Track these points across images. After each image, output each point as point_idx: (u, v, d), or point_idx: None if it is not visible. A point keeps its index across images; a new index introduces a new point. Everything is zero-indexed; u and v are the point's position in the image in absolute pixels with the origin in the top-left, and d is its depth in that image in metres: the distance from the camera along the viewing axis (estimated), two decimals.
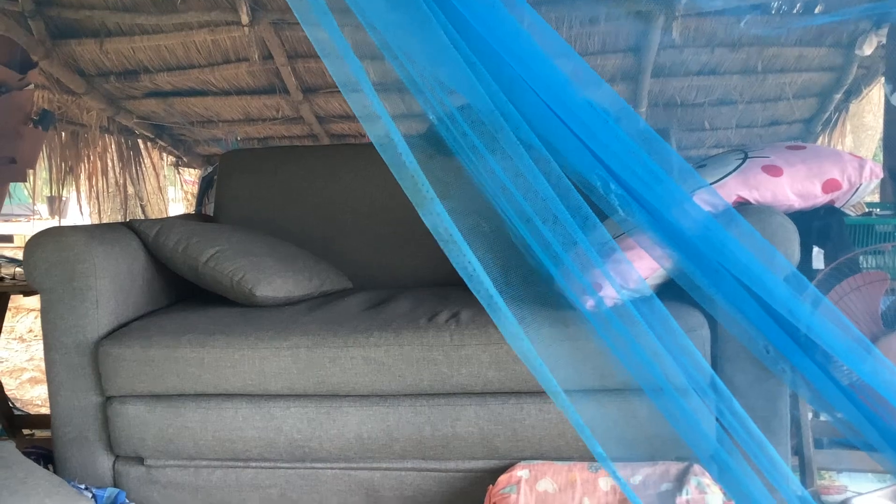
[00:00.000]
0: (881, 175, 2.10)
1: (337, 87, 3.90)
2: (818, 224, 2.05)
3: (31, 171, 3.20)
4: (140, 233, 2.38)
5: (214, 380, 2.06)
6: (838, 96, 4.19)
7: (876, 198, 3.07)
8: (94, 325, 2.13)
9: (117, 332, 2.15)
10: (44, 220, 8.68)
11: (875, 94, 4.30)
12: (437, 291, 2.42)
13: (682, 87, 4.09)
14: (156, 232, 2.39)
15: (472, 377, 1.97)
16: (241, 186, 2.95)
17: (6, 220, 9.50)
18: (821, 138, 4.65)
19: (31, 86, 2.95)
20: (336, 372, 2.01)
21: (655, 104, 4.20)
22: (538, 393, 1.98)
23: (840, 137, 4.65)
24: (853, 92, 4.21)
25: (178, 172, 5.53)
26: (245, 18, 3.25)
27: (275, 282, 2.32)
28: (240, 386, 2.06)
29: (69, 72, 3.70)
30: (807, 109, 4.38)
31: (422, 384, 1.99)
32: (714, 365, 1.95)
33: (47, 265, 2.13)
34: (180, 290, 2.53)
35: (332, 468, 2.09)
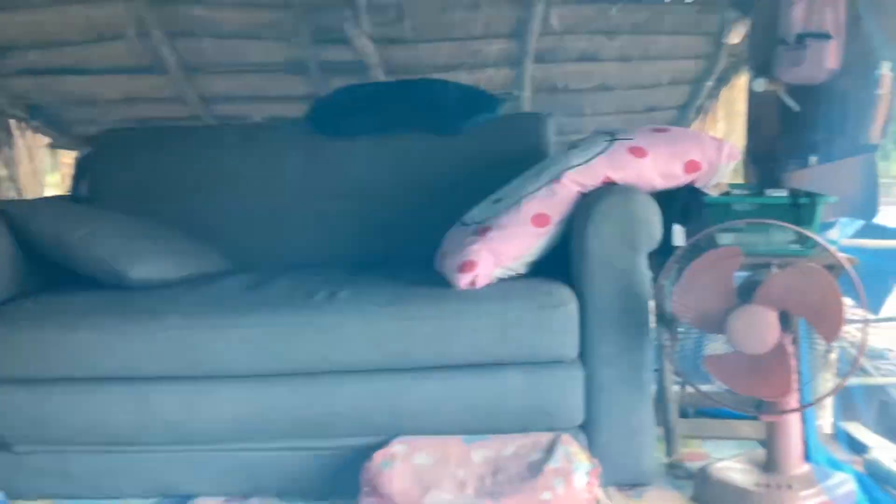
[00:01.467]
0: (739, 156, 2.23)
1: (222, 67, 3.83)
2: (680, 203, 2.15)
3: None
4: (6, 214, 2.30)
5: (85, 364, 2.02)
6: (710, 84, 4.39)
7: (740, 179, 3.24)
8: None
9: None
10: None
11: (744, 82, 4.52)
12: (318, 271, 2.42)
13: (564, 73, 4.20)
14: (23, 213, 2.31)
15: (350, 355, 1.99)
16: (117, 167, 2.85)
17: None
18: (695, 124, 4.85)
19: None
20: (211, 353, 2.00)
21: (539, 89, 4.29)
22: (415, 369, 2.02)
23: (713, 123, 4.86)
24: (724, 80, 4.41)
25: (56, 154, 5.31)
26: None
27: (150, 263, 2.28)
28: (112, 369, 2.02)
29: None
30: (681, 96, 4.57)
31: (299, 363, 2.00)
32: (582, 338, 2.03)
33: None
34: (51, 274, 2.44)
35: (209, 450, 2.08)
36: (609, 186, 2.12)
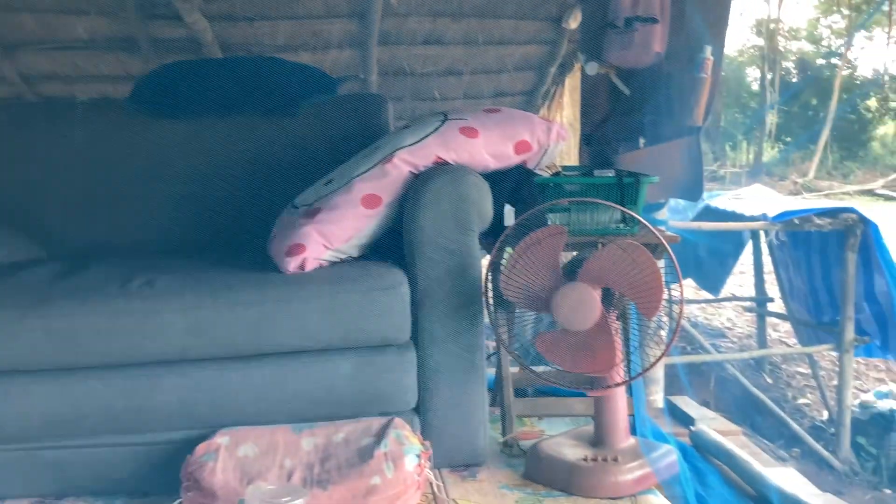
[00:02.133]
0: (567, 137, 2.25)
1: (43, 43, 3.56)
2: (510, 183, 2.16)
3: None
4: None
5: None
6: (553, 69, 4.46)
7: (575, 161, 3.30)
8: None
9: None
10: None
11: None
12: (139, 258, 2.28)
13: (410, 56, 4.16)
14: None
15: (169, 345, 1.88)
16: None
17: None
18: (542, 109, 4.93)
19: None
20: (14, 346, 1.85)
21: (385, 73, 4.24)
22: (239, 358, 1.93)
23: (559, 108, 4.96)
24: (567, 65, 4.49)
25: None
26: None
27: None
28: None
29: None
30: (527, 82, 4.63)
31: (112, 355, 1.88)
32: (414, 320, 2.00)
33: None
34: None
35: (15, 449, 1.92)
36: (441, 167, 2.10)
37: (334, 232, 2.05)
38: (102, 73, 3.91)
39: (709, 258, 5.23)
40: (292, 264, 2.00)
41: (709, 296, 5.67)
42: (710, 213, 4.71)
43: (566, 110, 5.19)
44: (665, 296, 1.82)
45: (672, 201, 3.37)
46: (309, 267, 2.01)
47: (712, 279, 5.46)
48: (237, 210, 2.56)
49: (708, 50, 2.59)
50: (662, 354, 1.88)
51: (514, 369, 2.28)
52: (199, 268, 2.10)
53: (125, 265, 2.15)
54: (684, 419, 2.64)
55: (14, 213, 2.54)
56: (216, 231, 2.53)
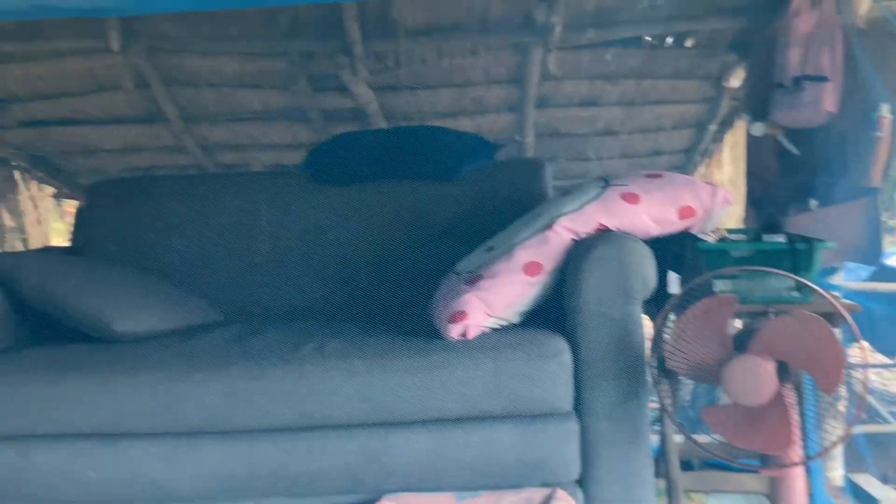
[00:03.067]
0: (733, 202, 2.18)
1: (221, 115, 3.82)
2: (674, 249, 2.11)
3: None
4: None
5: (67, 419, 1.97)
6: (713, 127, 4.35)
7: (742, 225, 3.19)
8: None
9: None
10: None
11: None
12: (309, 322, 2.38)
13: (566, 118, 4.18)
14: (10, 266, 2.29)
15: (337, 409, 1.94)
16: (108, 217, 2.84)
17: None
18: (701, 168, 4.81)
19: None
20: (195, 408, 1.95)
21: (541, 134, 4.28)
22: (403, 423, 1.96)
23: (718, 167, 4.82)
24: (727, 123, 4.38)
25: (60, 204, 5.34)
26: (116, 45, 3.17)
27: (136, 316, 2.25)
28: (94, 425, 1.98)
29: None
30: (685, 140, 4.54)
31: (284, 418, 1.95)
32: (576, 389, 1.97)
33: None
34: (40, 326, 2.41)
35: None
36: (603, 234, 2.08)
37: (496, 299, 2.06)
38: (274, 142, 4.14)
39: (884, 319, 4.90)
40: (455, 331, 2.02)
41: (885, 360, 5.29)
42: (887, 272, 4.41)
43: (726, 168, 5.04)
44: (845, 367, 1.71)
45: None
46: (471, 334, 2.03)
47: (888, 342, 5.10)
48: (399, 275, 2.62)
49: (884, 108, 2.46)
50: (847, 435, 1.76)
51: (679, 439, 2.20)
52: (364, 333, 2.17)
53: (296, 329, 2.24)
54: (867, 500, 2.45)
55: (193, 277, 2.71)
56: (378, 296, 2.59)
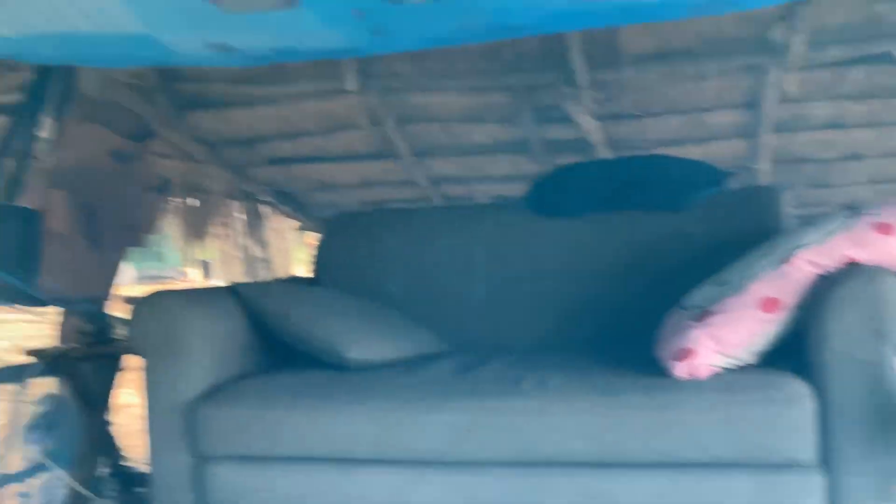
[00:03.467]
0: None
1: (448, 150, 3.91)
2: None
3: (148, 236, 3.39)
4: (240, 294, 2.45)
5: (301, 443, 2.07)
6: None
7: None
8: (188, 386, 2.19)
9: (210, 393, 2.19)
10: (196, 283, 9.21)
11: None
12: (530, 355, 2.36)
13: (805, 143, 3.90)
14: (255, 295, 2.45)
15: (558, 446, 1.89)
16: (343, 249, 2.99)
17: (157, 282, 10.11)
18: None
19: (151, 155, 3.14)
20: (420, 438, 1.98)
21: (779, 160, 4.01)
22: (630, 466, 1.88)
23: None
24: None
25: (303, 236, 5.71)
26: (352, 86, 3.34)
27: (366, 345, 2.33)
28: (326, 450, 2.06)
29: (193, 141, 3.91)
30: None
31: (506, 453, 1.93)
32: (822, 440, 1.80)
33: (147, 327, 2.21)
34: (279, 352, 2.57)
35: None
36: (852, 267, 1.90)
37: (728, 337, 1.94)
38: (498, 174, 4.19)
39: None
40: (682, 369, 1.92)
41: None
42: None
43: None
44: None
45: None
46: (701, 373, 1.92)
47: None
48: (622, 309, 2.54)
49: None
50: None
51: None
52: (586, 368, 2.11)
53: (517, 363, 2.23)
54: None
55: (416, 307, 2.77)
56: (603, 330, 2.53)
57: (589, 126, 3.53)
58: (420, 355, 2.45)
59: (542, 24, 1.79)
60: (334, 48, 1.79)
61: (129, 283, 10.15)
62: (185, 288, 2.46)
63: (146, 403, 2.23)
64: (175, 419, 2.18)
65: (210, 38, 1.76)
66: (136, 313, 2.24)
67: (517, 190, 3.19)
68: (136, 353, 2.34)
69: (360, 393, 2.10)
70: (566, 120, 3.54)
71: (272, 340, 2.44)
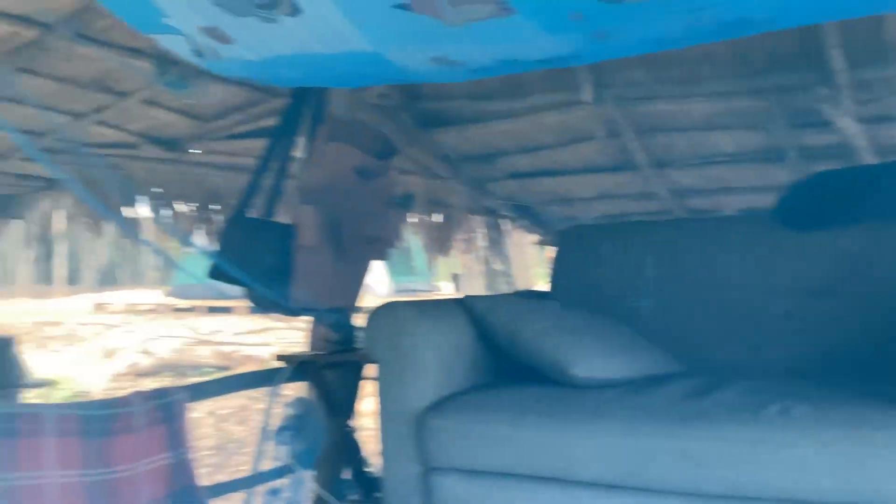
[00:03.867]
0: None
1: (691, 160, 3.73)
2: None
3: (391, 250, 3.51)
4: (470, 308, 2.46)
5: (525, 460, 2.03)
6: None
7: None
8: (418, 396, 2.23)
9: (439, 404, 2.21)
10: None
11: None
12: (775, 380, 2.16)
13: None
14: (483, 308, 2.45)
15: (802, 483, 1.71)
16: (577, 262, 2.94)
17: (412, 296, 10.61)
18: None
19: (394, 172, 3.25)
20: (649, 465, 1.87)
21: None
22: None
23: None
24: None
25: (542, 250, 5.70)
26: (588, 97, 3.27)
27: (593, 362, 2.25)
28: (550, 470, 2.01)
29: (435, 158, 4.03)
30: None
31: (744, 487, 1.77)
32: None
33: (379, 337, 2.28)
34: (506, 366, 2.55)
35: None
36: None
37: None
38: (746, 184, 3.93)
39: None
40: None
41: None
42: None
43: None
44: None
45: None
46: None
47: None
48: (883, 330, 2.26)
49: None
50: None
51: None
52: (834, 397, 1.90)
53: (758, 388, 2.05)
54: None
55: (654, 324, 2.65)
56: (856, 354, 2.26)
57: (850, 130, 3.20)
58: (650, 376, 2.32)
59: (786, 17, 1.62)
60: (556, 56, 1.74)
61: (386, 296, 10.74)
62: (411, 300, 2.50)
63: (379, 411, 2.30)
64: (405, 428, 2.22)
65: (433, 53, 1.78)
66: (369, 323, 2.32)
67: (766, 202, 2.96)
68: (371, 361, 2.42)
69: (585, 411, 2.03)
70: (823, 124, 3.24)
71: (498, 353, 2.42)
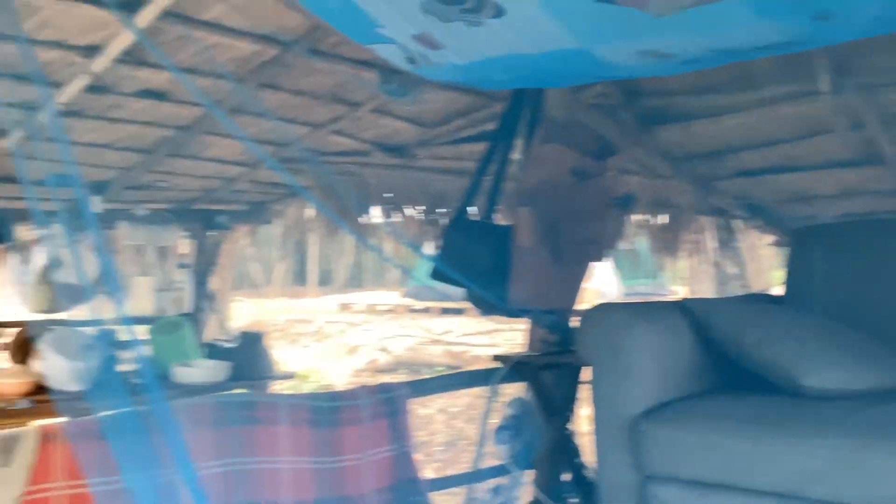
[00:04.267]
0: None
1: None
2: None
3: (610, 252, 3.43)
4: (690, 311, 2.36)
5: (747, 473, 1.92)
6: None
7: None
8: (632, 401, 2.17)
9: (654, 410, 2.14)
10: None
11: None
12: None
13: None
14: (703, 311, 2.34)
15: None
16: (813, 264, 2.73)
17: (643, 299, 10.37)
18: None
19: (612, 172, 3.18)
20: (886, 483, 1.70)
21: None
22: None
23: None
24: None
25: (780, 252, 5.35)
26: (826, 87, 3.02)
27: (825, 371, 2.08)
28: (773, 484, 1.88)
29: (657, 156, 3.89)
30: None
31: None
32: None
33: (592, 339, 2.24)
34: (729, 373, 2.42)
35: None
36: None
37: None
38: None
39: None
40: None
41: None
42: None
43: None
44: None
45: None
46: None
47: None
48: None
49: None
50: None
51: None
52: None
53: None
54: None
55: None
56: None
57: None
58: (890, 388, 2.11)
59: None
60: (775, 42, 1.62)
61: (615, 299, 10.57)
62: (627, 303, 2.44)
63: (593, 415, 2.26)
64: (620, 434, 2.18)
65: (641, 46, 1.73)
66: (582, 325, 2.29)
67: None
68: (586, 364, 2.39)
69: (815, 425, 1.89)
70: None
71: (721, 359, 2.30)
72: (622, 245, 3.97)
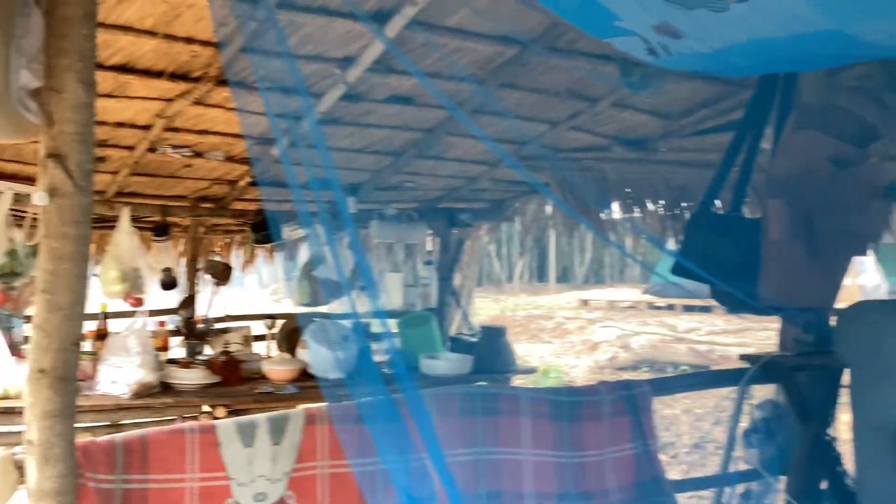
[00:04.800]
0: None
1: None
2: None
3: (875, 245, 3.14)
4: None
5: None
6: None
7: None
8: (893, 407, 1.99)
9: None
10: None
11: None
12: None
13: None
14: None
15: None
16: None
17: None
18: None
19: (877, 159, 2.91)
20: None
21: None
22: None
23: None
24: None
25: None
26: None
27: None
28: None
29: None
30: None
31: None
32: None
33: (852, 340, 2.09)
34: None
35: None
36: None
37: None
38: None
39: None
40: None
41: None
42: None
43: None
44: None
45: None
46: None
47: None
48: None
49: None
50: None
51: None
52: None
53: None
54: None
55: None
56: None
57: None
58: None
59: None
60: None
61: (879, 297, 9.68)
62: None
63: (852, 421, 2.11)
64: (882, 441, 2.02)
65: None
66: (839, 324, 2.14)
67: None
68: (844, 366, 2.23)
69: None
70: None
71: None
72: (887, 238, 3.62)
